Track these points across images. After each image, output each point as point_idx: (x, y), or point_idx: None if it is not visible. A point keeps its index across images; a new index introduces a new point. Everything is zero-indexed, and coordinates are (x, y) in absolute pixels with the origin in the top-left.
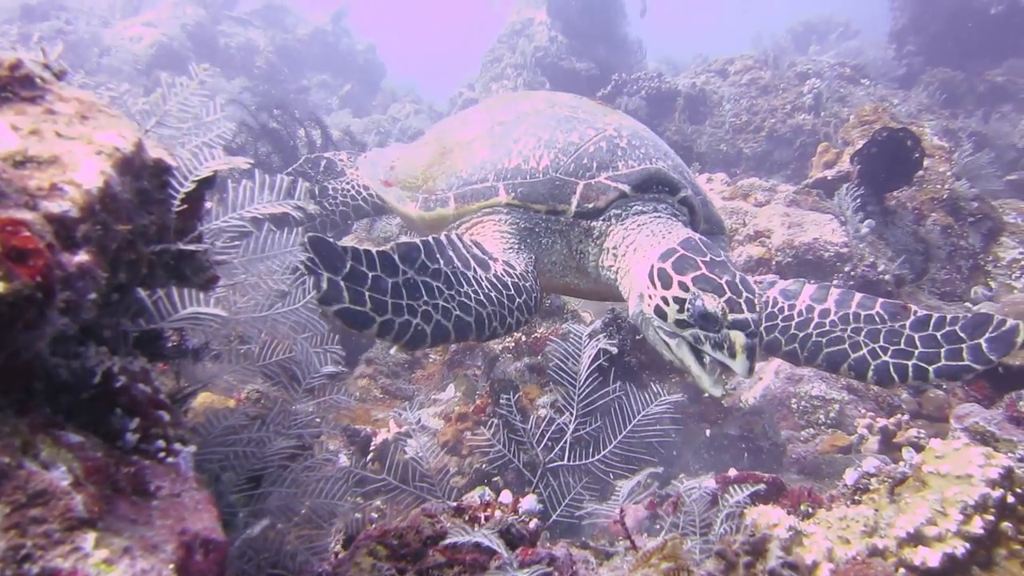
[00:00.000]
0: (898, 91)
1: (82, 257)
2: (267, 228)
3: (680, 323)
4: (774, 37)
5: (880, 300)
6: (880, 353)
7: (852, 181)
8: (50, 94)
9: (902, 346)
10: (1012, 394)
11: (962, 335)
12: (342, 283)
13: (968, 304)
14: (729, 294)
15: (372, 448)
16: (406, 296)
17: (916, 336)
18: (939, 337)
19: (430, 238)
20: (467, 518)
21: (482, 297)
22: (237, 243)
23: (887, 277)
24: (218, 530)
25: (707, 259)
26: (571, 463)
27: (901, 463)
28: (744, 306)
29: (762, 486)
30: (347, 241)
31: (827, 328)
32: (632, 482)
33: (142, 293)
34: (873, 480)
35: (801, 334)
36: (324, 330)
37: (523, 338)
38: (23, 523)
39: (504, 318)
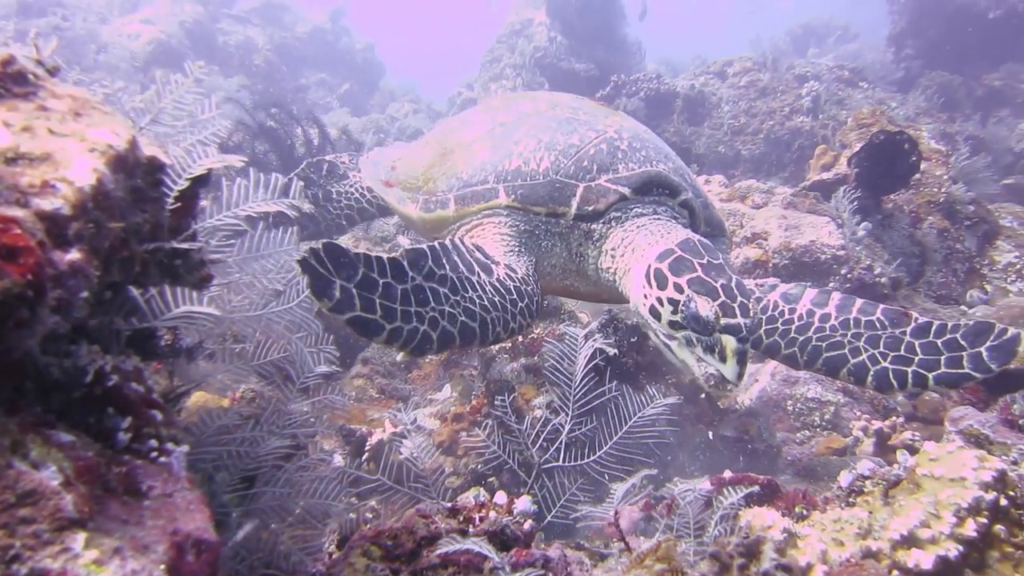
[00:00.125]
0: (896, 94)
1: (74, 255)
2: (262, 227)
3: (673, 324)
4: (773, 40)
5: (881, 306)
6: (880, 359)
7: (849, 184)
8: (43, 91)
9: (902, 352)
10: (1006, 397)
11: (963, 343)
12: (354, 290)
13: (964, 307)
14: (723, 298)
15: (367, 448)
16: (415, 303)
17: (917, 343)
18: (940, 344)
19: (436, 243)
20: (462, 519)
21: (486, 302)
22: (232, 242)
23: (883, 280)
24: (210, 530)
25: (704, 261)
26: (566, 464)
27: (895, 465)
28: (738, 311)
29: (757, 488)
30: (344, 241)
31: (827, 333)
32: (627, 484)
33: (135, 292)
34: (868, 482)
35: (801, 338)
36: (319, 330)
37: (520, 339)
38: (12, 523)
39: (507, 323)
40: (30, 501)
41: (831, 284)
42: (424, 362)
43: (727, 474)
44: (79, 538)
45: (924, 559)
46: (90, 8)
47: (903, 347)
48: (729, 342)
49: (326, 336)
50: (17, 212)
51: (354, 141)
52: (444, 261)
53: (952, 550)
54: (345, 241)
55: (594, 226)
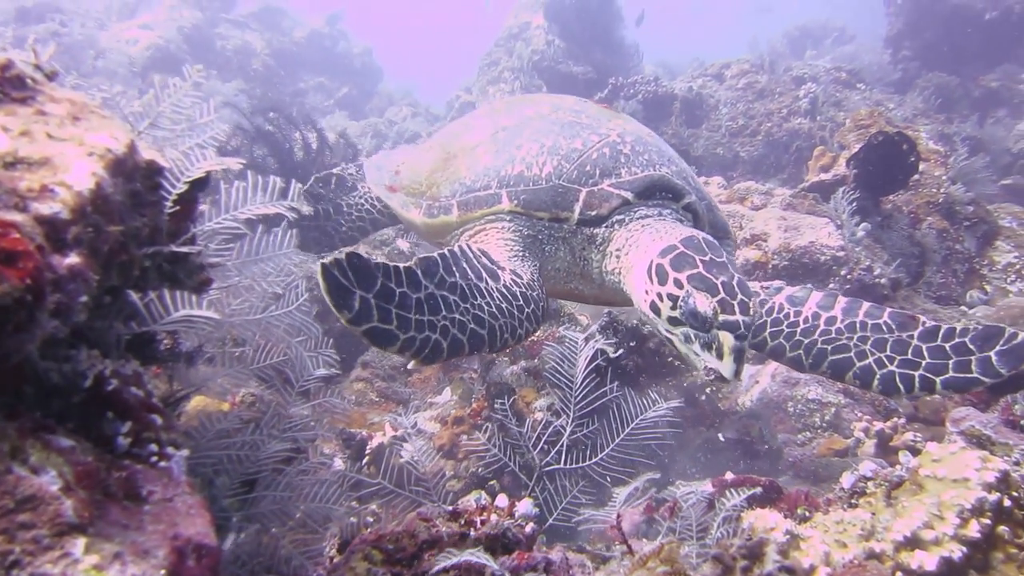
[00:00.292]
0: (894, 96)
1: (73, 259)
2: (261, 230)
3: (672, 320)
4: (770, 42)
5: (888, 309)
6: (886, 363)
7: (848, 185)
8: (41, 95)
9: (909, 356)
10: (1007, 398)
11: (972, 347)
12: (372, 301)
13: (964, 308)
14: (723, 295)
15: (368, 452)
16: (427, 312)
17: (924, 347)
18: (948, 348)
19: (446, 251)
20: (463, 522)
21: (494, 309)
22: (231, 245)
23: (883, 281)
24: (211, 535)
25: (706, 258)
26: (568, 466)
27: (898, 467)
28: (737, 308)
29: (759, 490)
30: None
31: (833, 336)
32: (630, 487)
33: (134, 296)
34: (870, 484)
35: (806, 341)
36: (318, 333)
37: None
38: (11, 529)
39: (515, 329)
40: (30, 506)
41: (831, 285)
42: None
43: (729, 476)
44: (79, 543)
45: (928, 560)
46: (88, 14)
47: (910, 351)
48: (727, 339)
49: (326, 339)
50: (16, 216)
51: (351, 145)
52: (454, 268)
53: (956, 551)
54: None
55: (597, 230)
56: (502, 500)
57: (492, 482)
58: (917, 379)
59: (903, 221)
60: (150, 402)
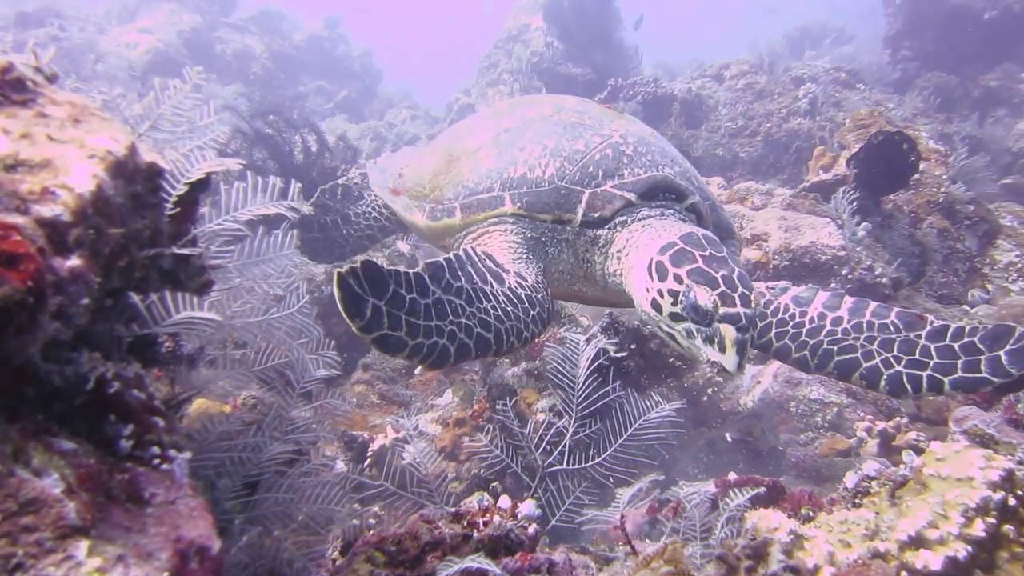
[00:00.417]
0: (893, 96)
1: (74, 261)
2: (262, 231)
3: (674, 316)
4: (769, 43)
5: (896, 309)
6: (893, 363)
7: (848, 184)
8: (42, 97)
9: (917, 356)
10: (1010, 396)
11: (981, 347)
12: (384, 308)
13: (965, 307)
14: (723, 288)
15: (369, 454)
16: (435, 317)
17: (932, 346)
18: (957, 348)
19: (452, 255)
20: (465, 524)
21: (500, 312)
22: (231, 248)
23: (884, 280)
24: (213, 537)
25: (706, 253)
26: (570, 467)
27: (901, 466)
28: (738, 300)
29: (762, 489)
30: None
31: (839, 336)
32: (633, 488)
33: (135, 298)
34: (873, 483)
35: (812, 341)
36: (319, 335)
37: None
38: (14, 531)
39: (520, 332)
40: (32, 509)
41: (832, 285)
42: (432, 371)
43: (732, 476)
44: (82, 546)
45: (933, 560)
46: (88, 18)
47: (918, 351)
48: (728, 332)
49: (327, 341)
50: (17, 219)
51: (351, 148)
52: (460, 273)
53: (961, 551)
54: None
55: (600, 232)
56: (505, 501)
57: (494, 483)
58: (925, 379)
59: (904, 220)
60: (152, 404)
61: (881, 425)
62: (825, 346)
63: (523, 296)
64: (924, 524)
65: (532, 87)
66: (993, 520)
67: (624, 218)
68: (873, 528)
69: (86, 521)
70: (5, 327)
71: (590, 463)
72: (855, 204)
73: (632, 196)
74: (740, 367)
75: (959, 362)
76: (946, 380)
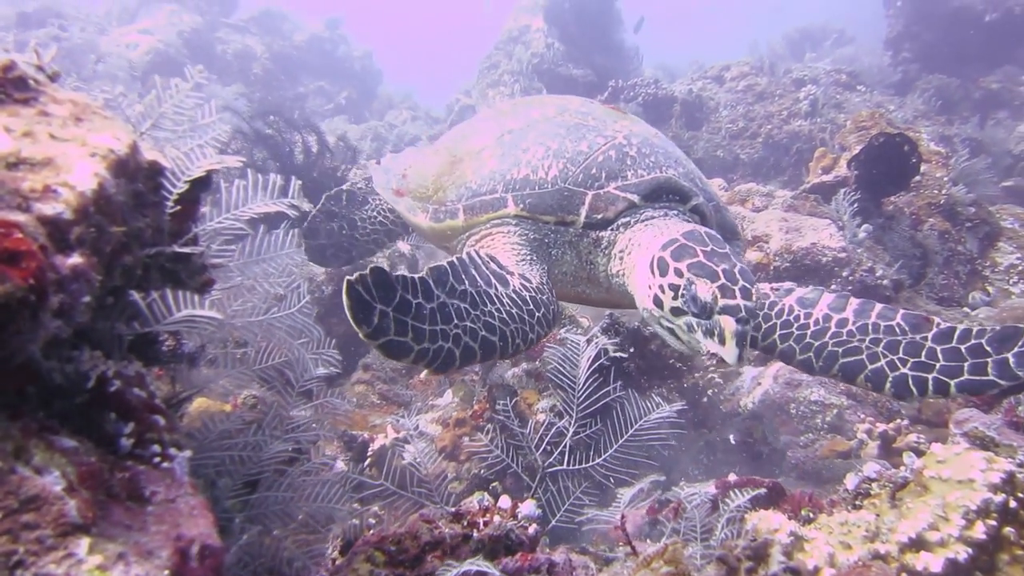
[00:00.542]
0: (894, 97)
1: (76, 259)
2: (263, 230)
3: (675, 311)
4: (770, 44)
5: (902, 311)
6: (899, 365)
7: (849, 186)
8: (44, 96)
9: (923, 359)
10: (1011, 399)
11: (988, 349)
12: (391, 314)
13: (966, 309)
14: (723, 280)
15: (369, 454)
16: (440, 321)
17: (938, 349)
18: (963, 350)
19: (455, 258)
20: (466, 524)
21: (504, 315)
22: (232, 247)
23: (885, 282)
24: (214, 535)
25: (707, 249)
26: (570, 467)
27: (902, 468)
28: (738, 293)
29: (762, 491)
30: None
31: (844, 338)
32: (634, 489)
33: (136, 296)
34: (874, 485)
35: (817, 343)
36: (320, 335)
37: None
38: (15, 529)
39: (526, 334)
40: (33, 506)
41: (832, 287)
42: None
43: (732, 477)
44: (83, 543)
45: (933, 562)
46: (88, 19)
47: (924, 353)
48: (728, 323)
49: (328, 340)
50: (19, 217)
51: (351, 148)
52: (463, 276)
53: (961, 553)
54: None
55: (603, 234)
56: (505, 501)
57: (494, 484)
58: (931, 382)
59: (905, 222)
60: (153, 403)
61: (882, 427)
62: (830, 348)
63: (528, 298)
64: (925, 526)
65: (533, 88)
66: (994, 522)
67: (627, 219)
68: (874, 530)
69: (87, 519)
70: (7, 325)
71: (590, 463)
72: (856, 206)
73: (635, 198)
74: (740, 359)
75: (965, 364)
76: (952, 383)
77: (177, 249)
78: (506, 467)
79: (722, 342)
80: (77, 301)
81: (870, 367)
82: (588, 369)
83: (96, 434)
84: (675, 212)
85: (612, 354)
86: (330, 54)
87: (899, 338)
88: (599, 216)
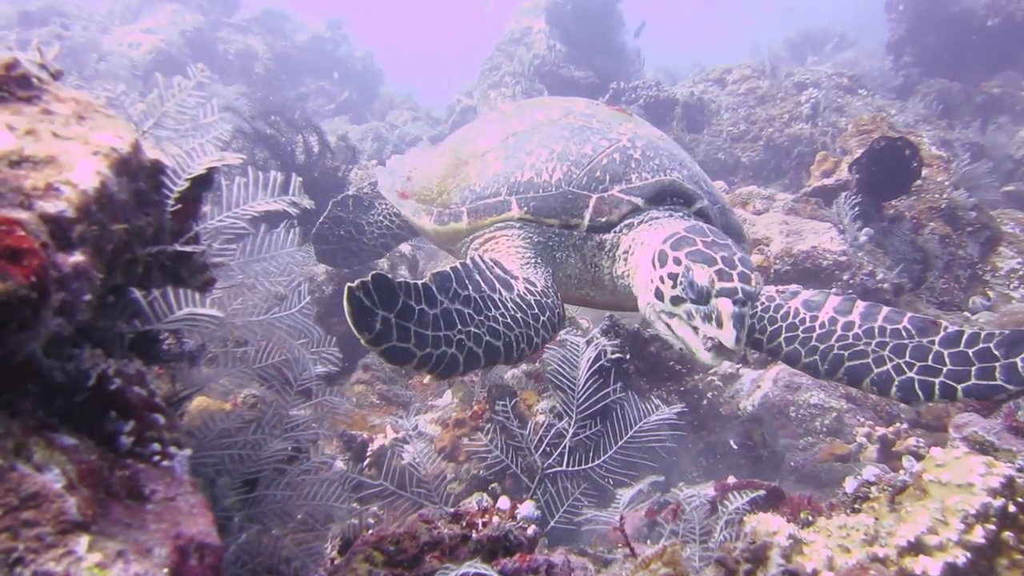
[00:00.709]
0: (895, 101)
1: (77, 258)
2: (264, 228)
3: (675, 300)
4: (771, 47)
5: (908, 314)
6: (905, 369)
7: (850, 190)
8: (47, 94)
9: (929, 363)
10: (1011, 404)
11: (996, 353)
12: (393, 320)
13: (967, 314)
14: (720, 265)
15: (369, 454)
16: (444, 327)
17: (945, 353)
18: (971, 354)
19: (458, 264)
20: (464, 524)
21: (509, 320)
22: (233, 245)
23: (885, 286)
24: (213, 534)
25: (708, 240)
26: (570, 469)
27: (901, 471)
28: (736, 277)
29: (761, 492)
30: None
31: (850, 341)
32: (633, 490)
33: (137, 293)
34: (873, 488)
35: (822, 346)
36: (320, 336)
37: None
38: (15, 526)
39: (531, 338)
40: (33, 504)
41: (833, 290)
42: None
43: (731, 480)
44: (82, 541)
45: (932, 566)
46: (91, 18)
47: (931, 357)
48: (725, 305)
49: (328, 339)
50: (21, 214)
51: (352, 148)
52: (467, 281)
53: (960, 557)
54: None
55: (606, 236)
56: (504, 502)
57: (494, 484)
58: (937, 386)
59: (905, 226)
60: (153, 401)
61: (881, 431)
62: (836, 351)
63: (532, 302)
64: (923, 530)
65: (534, 90)
66: (993, 527)
67: (630, 221)
68: (872, 533)
69: (87, 516)
70: (8, 322)
71: (590, 465)
72: (857, 209)
73: (639, 201)
74: (739, 342)
75: (973, 369)
76: (959, 387)
77: (179, 248)
78: (505, 468)
79: (720, 325)
80: (78, 299)
81: (876, 371)
82: (588, 371)
83: (96, 432)
84: (680, 215)
85: (611, 356)
86: (331, 54)
87: (906, 342)
88: (603, 219)
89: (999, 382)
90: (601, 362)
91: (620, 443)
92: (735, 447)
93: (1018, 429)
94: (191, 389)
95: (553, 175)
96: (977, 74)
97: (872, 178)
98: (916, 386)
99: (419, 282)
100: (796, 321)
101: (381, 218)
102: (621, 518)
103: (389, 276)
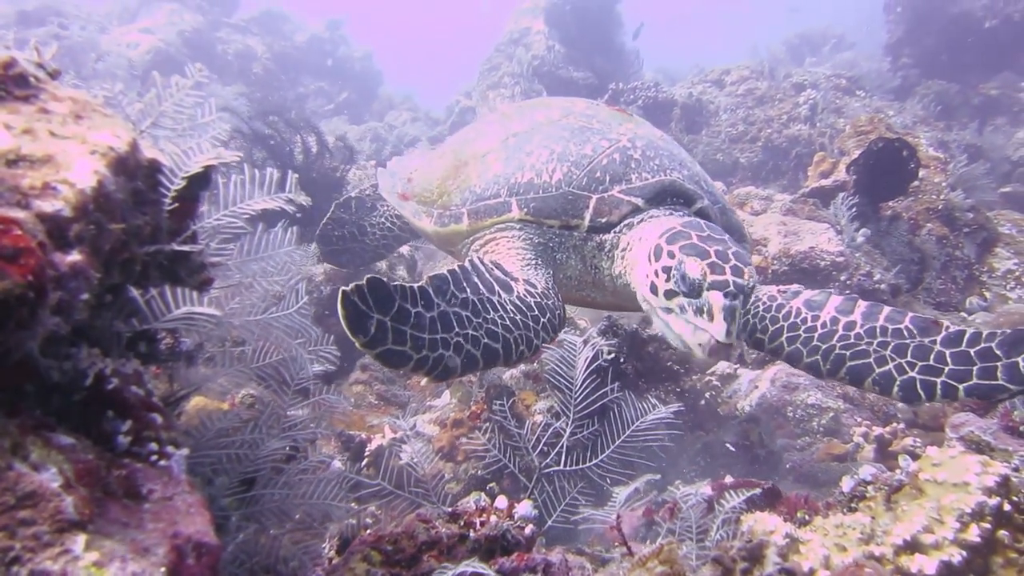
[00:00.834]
0: (893, 103)
1: (75, 257)
2: (261, 228)
3: (668, 293)
4: (770, 48)
5: (910, 314)
6: (907, 368)
7: (848, 190)
8: (44, 93)
9: (931, 362)
10: (1007, 403)
11: (998, 352)
12: (389, 324)
13: (963, 314)
14: (713, 259)
15: (367, 454)
16: (441, 330)
17: (947, 352)
18: (972, 354)
19: (457, 267)
20: (462, 524)
21: (508, 322)
22: (231, 245)
23: (883, 286)
24: (210, 533)
25: (704, 234)
26: (567, 468)
27: (897, 471)
28: (728, 270)
29: (758, 491)
30: None
31: (852, 341)
32: (630, 488)
33: (135, 292)
34: (870, 488)
35: (824, 346)
36: (317, 335)
37: None
38: (12, 525)
39: (531, 340)
40: (30, 503)
41: (830, 290)
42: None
43: (728, 479)
44: (79, 540)
45: (928, 564)
46: (89, 18)
47: (932, 356)
48: (715, 298)
49: (326, 337)
50: (18, 213)
51: (350, 148)
52: (465, 284)
53: (956, 555)
54: None
55: (606, 236)
56: (501, 502)
57: (491, 484)
58: (939, 386)
59: (903, 227)
60: (150, 401)
61: (878, 430)
62: (837, 351)
63: (532, 304)
64: (919, 528)
65: (533, 90)
66: (988, 525)
67: (630, 221)
68: (869, 532)
69: (84, 516)
70: (5, 321)
71: (587, 464)
72: (854, 210)
73: (639, 201)
74: (729, 334)
75: (975, 368)
76: (961, 387)
77: (176, 247)
78: (503, 468)
79: (710, 318)
80: (75, 298)
81: (878, 370)
82: (585, 370)
83: (93, 432)
84: (680, 214)
85: (608, 356)
86: (330, 55)
87: (907, 341)
88: (603, 220)
89: (1001, 382)
90: (599, 362)
91: (617, 442)
92: (732, 449)
93: (1014, 429)
94: (188, 389)
95: (553, 176)
96: (975, 76)
97: (870, 179)
98: (918, 386)
99: (416, 285)
100: (798, 321)
101: (383, 220)
102: (618, 517)
103: (385, 279)
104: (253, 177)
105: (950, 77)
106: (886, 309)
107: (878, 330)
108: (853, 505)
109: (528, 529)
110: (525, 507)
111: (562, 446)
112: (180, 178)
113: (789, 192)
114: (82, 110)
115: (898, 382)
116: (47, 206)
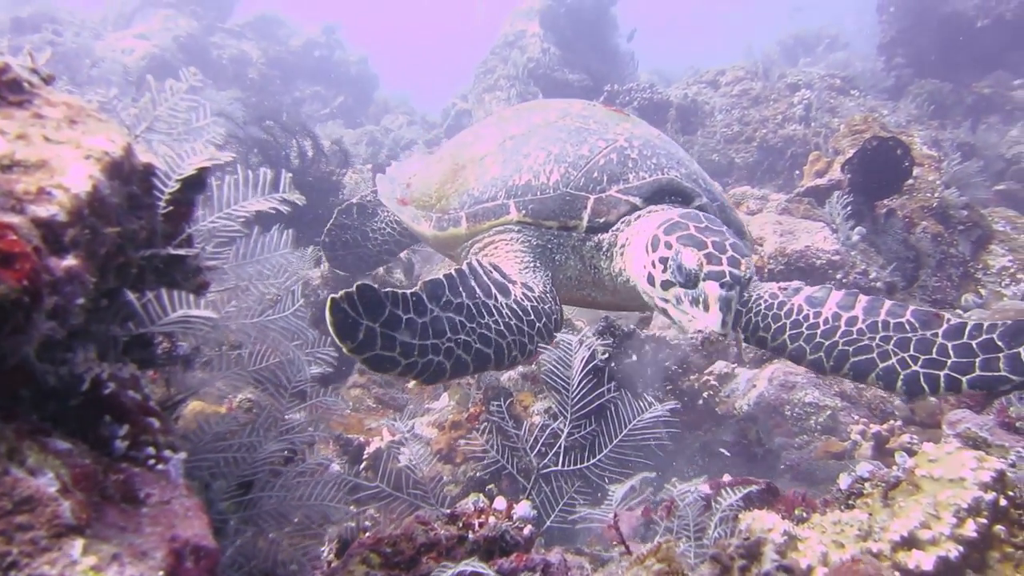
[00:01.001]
0: (887, 102)
1: (70, 261)
2: (257, 230)
3: (665, 284)
4: (764, 49)
5: (911, 308)
6: (910, 362)
7: (843, 189)
8: (38, 98)
9: (934, 355)
10: (1003, 400)
11: (1000, 343)
12: (378, 330)
13: (959, 311)
14: (710, 249)
15: (365, 456)
16: (432, 335)
17: (949, 345)
18: (975, 346)
19: (454, 271)
20: (461, 525)
21: (502, 327)
22: (226, 249)
23: (879, 284)
24: (209, 537)
25: (701, 225)
26: (565, 468)
27: (894, 467)
28: (725, 261)
29: (755, 488)
30: None
31: (854, 336)
32: (626, 487)
33: (131, 296)
34: (867, 484)
35: (827, 342)
36: (314, 338)
37: None
38: (9, 530)
39: (524, 345)
40: (27, 508)
41: (831, 286)
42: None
43: (726, 477)
44: (77, 545)
45: (925, 560)
46: (84, 24)
47: (935, 349)
48: (711, 289)
49: (323, 339)
50: (13, 218)
51: (345, 152)
52: (461, 289)
53: (952, 551)
54: None
55: (604, 236)
56: (500, 503)
57: (490, 485)
58: (943, 379)
59: (898, 225)
60: (147, 405)
61: (875, 428)
62: (840, 347)
63: (529, 308)
64: (916, 524)
65: (529, 93)
66: (984, 520)
67: (628, 219)
68: (866, 529)
69: (81, 520)
70: (0, 326)
71: (585, 464)
72: (849, 209)
73: (637, 200)
74: (725, 325)
75: (977, 360)
76: (964, 379)
77: (172, 251)
78: (501, 469)
79: (706, 309)
80: (71, 303)
81: (881, 365)
82: (582, 371)
83: (90, 436)
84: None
85: (603, 356)
86: (326, 59)
87: (909, 335)
88: (601, 220)
89: (1004, 372)
90: (595, 362)
91: (615, 442)
92: (727, 454)
93: (1010, 425)
94: (185, 392)
95: (551, 177)
96: (968, 75)
97: (864, 178)
98: (921, 379)
99: (408, 291)
100: (800, 318)
101: (383, 225)
102: (615, 516)
103: (375, 286)
104: (247, 178)
105: (943, 76)
106: (887, 303)
107: (880, 325)
108: (850, 502)
109: (527, 530)
110: (523, 508)
111: (560, 446)
112: (174, 181)
113: (785, 192)
114: (76, 115)
115: (902, 376)
116: (42, 211)
